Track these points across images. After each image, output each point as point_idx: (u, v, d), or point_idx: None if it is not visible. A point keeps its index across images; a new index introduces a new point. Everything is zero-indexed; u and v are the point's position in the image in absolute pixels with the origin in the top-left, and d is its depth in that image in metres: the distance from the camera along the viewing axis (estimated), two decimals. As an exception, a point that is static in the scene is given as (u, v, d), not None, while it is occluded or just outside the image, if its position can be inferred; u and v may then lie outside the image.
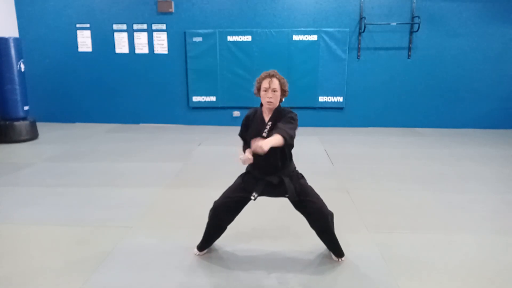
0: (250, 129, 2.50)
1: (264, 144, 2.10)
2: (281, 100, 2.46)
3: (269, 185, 2.47)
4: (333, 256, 2.65)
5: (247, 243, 2.86)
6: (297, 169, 2.58)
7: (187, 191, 3.98)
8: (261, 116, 2.47)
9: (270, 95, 2.37)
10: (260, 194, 2.48)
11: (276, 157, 2.44)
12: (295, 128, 2.34)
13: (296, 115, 2.43)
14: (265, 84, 2.37)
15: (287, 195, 2.46)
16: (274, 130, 2.31)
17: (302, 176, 2.57)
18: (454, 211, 3.48)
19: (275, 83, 2.37)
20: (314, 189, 2.55)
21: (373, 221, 3.24)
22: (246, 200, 2.54)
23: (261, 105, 2.49)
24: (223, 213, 2.57)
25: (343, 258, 2.63)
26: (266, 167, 2.45)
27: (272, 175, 2.46)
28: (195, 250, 2.71)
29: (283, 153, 2.46)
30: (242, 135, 2.58)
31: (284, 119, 2.38)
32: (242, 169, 2.62)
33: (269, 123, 2.42)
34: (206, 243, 2.70)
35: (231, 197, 2.54)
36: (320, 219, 2.50)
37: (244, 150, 2.51)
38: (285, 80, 2.44)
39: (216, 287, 2.33)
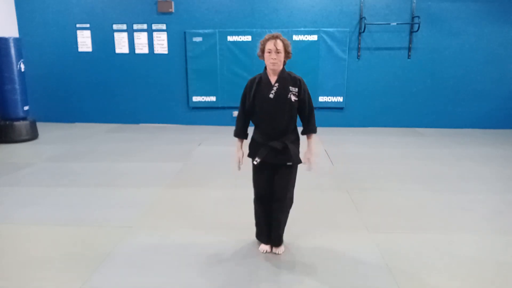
0: (256, 92, 2.50)
1: (315, 159, 2.50)
2: (284, 62, 2.49)
3: (273, 151, 2.49)
4: (273, 248, 2.70)
5: (248, 242, 2.86)
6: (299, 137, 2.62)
7: (187, 191, 3.98)
8: (266, 78, 2.48)
9: (274, 56, 2.39)
10: (264, 159, 2.50)
11: (281, 120, 2.47)
12: (313, 107, 2.56)
13: (305, 83, 2.52)
14: (269, 45, 2.39)
15: (290, 163, 2.51)
16: (306, 128, 2.54)
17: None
18: (454, 211, 3.48)
19: (279, 44, 2.39)
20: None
21: (373, 221, 3.24)
22: (268, 170, 2.55)
23: (265, 69, 2.51)
24: (263, 199, 2.63)
25: (282, 249, 2.68)
26: (270, 130, 2.50)
27: (276, 139, 2.48)
28: (261, 247, 2.72)
29: (289, 117, 2.49)
30: (244, 100, 2.57)
31: (302, 92, 2.47)
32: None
33: (276, 84, 2.45)
34: (262, 232, 2.74)
35: (259, 178, 2.58)
36: (285, 187, 2.54)
37: (239, 125, 2.58)
38: (289, 42, 2.46)
39: (216, 287, 2.33)
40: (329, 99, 7.34)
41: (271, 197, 2.60)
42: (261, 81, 2.49)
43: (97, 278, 2.40)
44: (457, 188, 4.09)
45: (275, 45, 2.38)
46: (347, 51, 7.15)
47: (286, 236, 2.88)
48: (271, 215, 2.64)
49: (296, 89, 2.46)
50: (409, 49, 7.18)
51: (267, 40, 2.41)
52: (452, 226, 3.17)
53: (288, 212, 2.67)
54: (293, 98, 2.45)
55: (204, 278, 2.42)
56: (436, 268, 2.53)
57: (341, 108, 7.45)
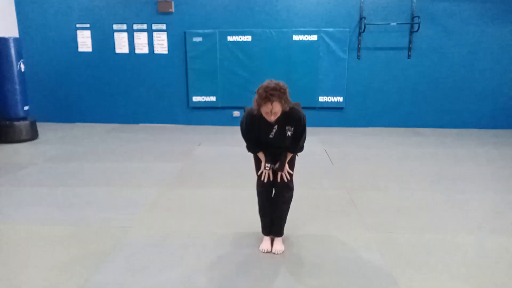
0: (255, 131, 2.52)
1: (285, 171, 2.58)
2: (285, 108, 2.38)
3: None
4: (274, 247, 2.73)
5: (247, 241, 2.86)
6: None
7: (187, 191, 3.98)
8: (265, 119, 2.43)
9: (272, 117, 2.36)
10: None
11: (280, 150, 2.60)
12: (305, 138, 2.59)
13: (304, 119, 2.49)
14: (266, 108, 2.29)
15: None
16: (291, 146, 2.56)
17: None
18: (454, 211, 3.48)
19: (276, 107, 2.28)
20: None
21: (373, 221, 3.24)
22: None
23: None
24: (266, 192, 2.71)
25: (282, 249, 2.70)
26: (270, 157, 2.63)
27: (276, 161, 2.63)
28: (262, 246, 2.74)
29: (285, 146, 2.58)
30: (248, 134, 2.57)
31: (299, 132, 2.49)
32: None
33: (276, 126, 2.47)
34: (266, 225, 2.79)
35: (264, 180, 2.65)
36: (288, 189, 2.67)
37: (253, 148, 2.62)
38: (285, 88, 2.28)
39: (216, 287, 2.33)
40: (329, 99, 7.34)
41: (274, 184, 2.69)
42: (260, 121, 2.44)
43: (97, 278, 2.40)
44: (457, 188, 4.09)
45: (271, 109, 2.28)
46: (347, 51, 7.15)
47: (286, 236, 2.89)
48: (274, 205, 2.73)
49: (293, 128, 2.47)
50: (409, 49, 7.18)
51: (263, 100, 2.25)
52: (452, 226, 3.17)
53: (289, 204, 2.73)
54: (289, 134, 2.50)
55: (204, 278, 2.42)
56: (436, 268, 2.53)
57: (341, 108, 7.45)
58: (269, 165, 2.59)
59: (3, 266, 2.55)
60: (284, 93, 2.28)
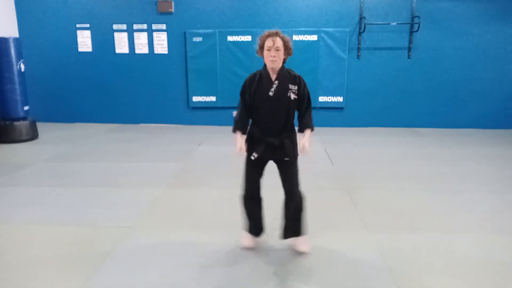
0: (255, 89, 2.47)
1: (308, 146, 2.43)
2: (284, 60, 2.44)
3: (270, 146, 2.49)
4: (297, 246, 2.69)
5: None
6: (296, 128, 2.60)
7: (187, 191, 3.98)
8: (266, 76, 2.44)
9: (273, 54, 2.35)
10: (261, 155, 2.50)
11: (280, 117, 2.47)
12: (311, 105, 2.57)
13: (304, 80, 2.50)
14: (268, 42, 2.35)
15: (287, 159, 2.50)
16: (302, 125, 2.49)
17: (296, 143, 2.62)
18: (454, 211, 3.48)
19: (278, 42, 2.35)
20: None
21: (373, 221, 3.24)
22: (262, 167, 2.58)
23: (264, 66, 2.48)
24: (252, 195, 2.63)
25: (307, 247, 2.66)
26: (269, 126, 2.49)
27: (274, 136, 2.48)
28: (243, 242, 2.73)
29: (287, 115, 2.48)
30: (243, 96, 2.54)
31: (302, 90, 2.46)
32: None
33: (276, 81, 2.43)
34: (258, 228, 2.74)
35: (252, 175, 2.58)
36: (292, 180, 2.55)
37: (238, 126, 2.52)
38: (289, 38, 2.41)
39: (216, 286, 2.33)
40: (329, 99, 7.34)
41: (259, 195, 2.64)
42: (261, 78, 2.46)
43: (97, 278, 2.40)
44: (457, 188, 4.09)
45: (274, 43, 2.33)
46: (347, 51, 7.15)
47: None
48: (261, 210, 2.70)
49: (296, 87, 2.45)
50: (409, 49, 7.17)
51: (266, 37, 2.37)
52: (452, 226, 3.17)
53: (304, 209, 2.61)
54: (292, 96, 2.44)
55: (204, 278, 2.42)
56: (436, 268, 2.53)
57: (341, 108, 7.44)
58: (255, 154, 2.48)
59: (3, 266, 2.55)
60: (287, 38, 2.40)
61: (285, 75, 2.44)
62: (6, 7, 7.20)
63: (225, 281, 2.39)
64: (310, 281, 2.39)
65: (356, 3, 7.07)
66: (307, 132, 2.51)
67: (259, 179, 2.60)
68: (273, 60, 2.36)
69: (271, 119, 2.47)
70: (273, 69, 2.42)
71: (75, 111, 7.73)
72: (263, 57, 2.43)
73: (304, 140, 2.47)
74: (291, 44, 2.42)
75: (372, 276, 2.44)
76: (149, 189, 3.98)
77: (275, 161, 2.58)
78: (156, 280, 2.39)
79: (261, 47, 2.40)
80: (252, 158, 2.48)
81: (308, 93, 2.53)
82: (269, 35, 2.36)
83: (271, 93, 2.42)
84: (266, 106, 2.45)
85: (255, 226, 2.74)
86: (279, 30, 2.40)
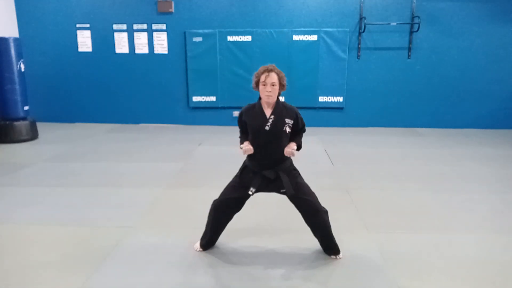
0: (250, 123, 2.50)
1: (295, 151, 2.46)
2: (279, 94, 2.48)
3: (266, 180, 2.49)
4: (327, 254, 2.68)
5: (248, 241, 2.86)
6: (293, 164, 2.60)
7: (187, 191, 3.98)
8: (261, 110, 2.48)
9: (269, 89, 2.39)
10: (257, 189, 2.50)
11: (275, 151, 2.47)
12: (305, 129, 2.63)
13: (300, 113, 2.53)
14: (263, 78, 2.39)
15: (283, 191, 2.49)
16: (294, 140, 2.52)
17: (299, 174, 2.60)
18: (454, 211, 3.48)
19: (274, 78, 2.39)
20: (311, 187, 2.59)
21: (373, 221, 3.24)
22: (245, 198, 2.56)
23: (259, 99, 2.51)
24: (223, 211, 2.61)
25: (340, 255, 2.64)
26: (264, 160, 2.48)
27: (269, 169, 2.48)
28: (196, 245, 2.74)
29: (282, 145, 2.48)
30: (240, 124, 2.60)
31: (299, 123, 2.52)
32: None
33: (272, 116, 2.45)
34: (209, 241, 2.73)
35: (230, 196, 2.56)
36: (315, 215, 2.54)
37: (242, 141, 2.56)
38: (283, 74, 2.46)
39: (216, 287, 2.33)
40: (329, 99, 7.34)
41: (231, 211, 2.62)
42: (256, 112, 2.49)
43: (97, 278, 2.40)
44: (457, 188, 4.09)
45: (269, 78, 2.38)
46: (347, 51, 7.15)
47: (287, 233, 2.89)
48: (223, 228, 2.71)
49: (292, 121, 2.48)
50: (409, 49, 7.17)
51: (262, 72, 2.40)
52: (452, 226, 3.17)
53: (329, 221, 2.60)
54: (287, 130, 2.48)
55: (204, 278, 2.42)
56: (436, 268, 2.53)
57: (341, 108, 7.44)
58: (253, 189, 2.46)
59: (3, 266, 2.55)
60: (282, 74, 2.44)
61: (281, 109, 2.47)
62: (6, 7, 7.20)
63: (224, 281, 2.39)
64: (310, 281, 2.39)
65: (356, 3, 7.07)
66: (294, 145, 2.52)
67: (238, 199, 2.57)
68: (269, 95, 2.40)
69: (267, 152, 2.47)
70: (268, 103, 2.46)
71: (75, 111, 7.73)
72: (259, 91, 2.47)
73: (291, 145, 2.49)
74: (285, 80, 2.46)
75: (372, 276, 2.44)
76: (149, 189, 3.98)
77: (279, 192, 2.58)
78: (156, 280, 2.39)
79: (257, 83, 2.45)
80: (250, 193, 2.48)
81: (303, 123, 2.58)
82: (264, 71, 2.39)
83: (267, 127, 2.45)
84: (261, 139, 2.46)
85: (210, 239, 2.73)
86: (274, 65, 2.44)
